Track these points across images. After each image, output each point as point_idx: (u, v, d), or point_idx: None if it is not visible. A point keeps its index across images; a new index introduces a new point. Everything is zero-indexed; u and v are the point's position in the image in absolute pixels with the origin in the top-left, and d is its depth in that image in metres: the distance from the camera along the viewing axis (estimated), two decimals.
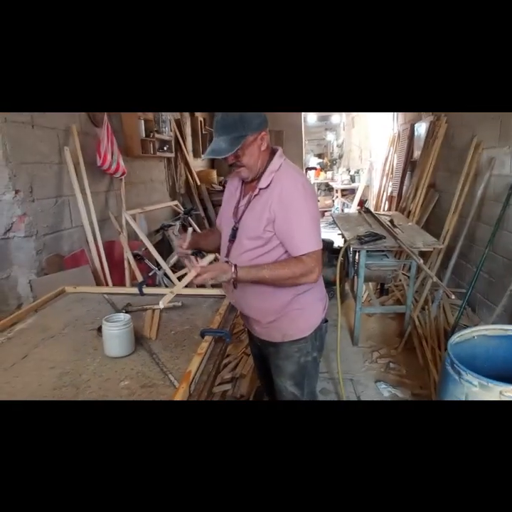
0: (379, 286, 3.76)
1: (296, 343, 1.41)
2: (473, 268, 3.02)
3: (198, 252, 1.51)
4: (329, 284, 2.60)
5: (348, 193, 8.41)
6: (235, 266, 1.23)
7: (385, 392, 2.36)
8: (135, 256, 2.99)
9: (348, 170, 8.82)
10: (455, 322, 2.71)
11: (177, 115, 4.84)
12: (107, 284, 2.63)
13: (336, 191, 8.62)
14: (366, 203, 6.14)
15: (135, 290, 1.68)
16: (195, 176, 5.12)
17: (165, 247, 3.62)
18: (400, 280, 3.60)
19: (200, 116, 5.50)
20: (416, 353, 2.67)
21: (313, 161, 10.43)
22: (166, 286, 2.93)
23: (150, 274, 3.02)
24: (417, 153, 4.51)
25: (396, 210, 4.72)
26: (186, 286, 1.45)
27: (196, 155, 5.44)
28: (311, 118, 10.23)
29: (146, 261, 3.08)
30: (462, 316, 2.78)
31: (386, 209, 5.39)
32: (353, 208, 6.74)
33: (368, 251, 2.78)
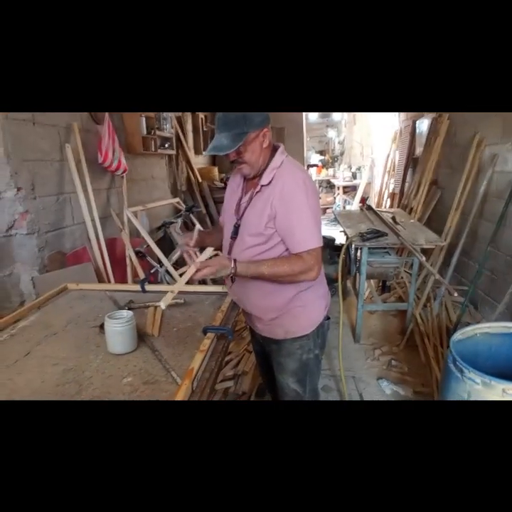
0: (381, 284, 3.76)
1: (298, 340, 1.41)
2: (476, 265, 3.01)
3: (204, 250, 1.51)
4: (331, 281, 2.60)
5: (349, 190, 8.39)
6: (235, 261, 1.23)
7: (387, 390, 2.36)
8: (137, 253, 2.99)
9: (350, 167, 8.80)
10: (457, 319, 2.71)
11: (178, 112, 4.83)
12: (109, 281, 2.63)
13: (338, 188, 8.61)
14: (368, 199, 6.12)
15: (137, 287, 1.68)
16: (197, 173, 5.11)
17: (166, 244, 3.61)
18: (402, 277, 3.60)
19: (201, 113, 5.48)
20: (418, 351, 2.67)
21: (315, 158, 10.42)
22: (168, 283, 2.93)
23: (152, 271, 3.03)
24: (418, 150, 4.49)
25: (398, 207, 4.71)
26: (187, 283, 1.45)
27: (197, 152, 5.43)
28: (312, 115, 10.20)
29: (148, 258, 3.08)
30: (464, 314, 2.78)
31: (388, 206, 5.38)
32: (354, 205, 6.73)
33: (369, 248, 2.77)
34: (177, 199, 4.23)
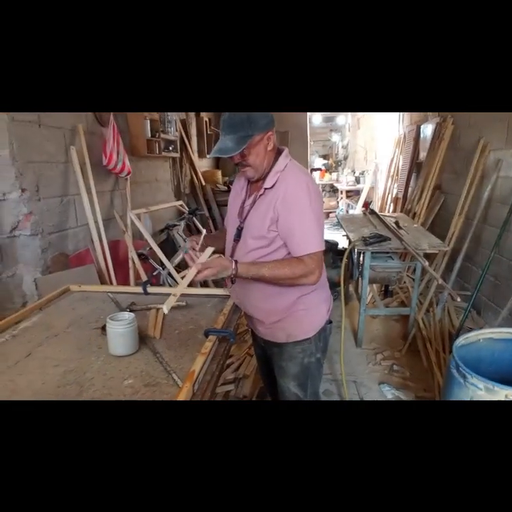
0: (383, 288, 3.75)
1: (299, 344, 1.41)
2: (479, 270, 3.00)
3: None
4: (333, 286, 2.59)
5: (352, 194, 8.39)
6: (236, 262, 1.23)
7: (389, 395, 2.35)
8: (139, 255, 3.00)
9: (353, 171, 8.80)
10: (460, 325, 2.69)
11: (182, 115, 4.85)
12: (112, 283, 2.64)
13: (341, 192, 8.61)
14: (371, 204, 6.11)
15: (139, 289, 1.68)
16: (200, 176, 5.13)
17: (169, 247, 3.62)
18: (405, 282, 3.59)
19: (205, 116, 5.51)
20: (420, 356, 2.66)
21: (319, 162, 10.44)
22: (170, 286, 2.93)
23: (154, 273, 3.03)
24: (422, 155, 4.49)
25: (401, 211, 4.70)
26: (189, 285, 1.45)
27: (201, 155, 5.45)
28: (316, 119, 10.22)
29: (151, 260, 3.08)
30: (467, 319, 2.76)
31: (391, 211, 5.37)
32: (357, 210, 6.72)
33: (372, 252, 2.77)
34: (180, 202, 4.24)
